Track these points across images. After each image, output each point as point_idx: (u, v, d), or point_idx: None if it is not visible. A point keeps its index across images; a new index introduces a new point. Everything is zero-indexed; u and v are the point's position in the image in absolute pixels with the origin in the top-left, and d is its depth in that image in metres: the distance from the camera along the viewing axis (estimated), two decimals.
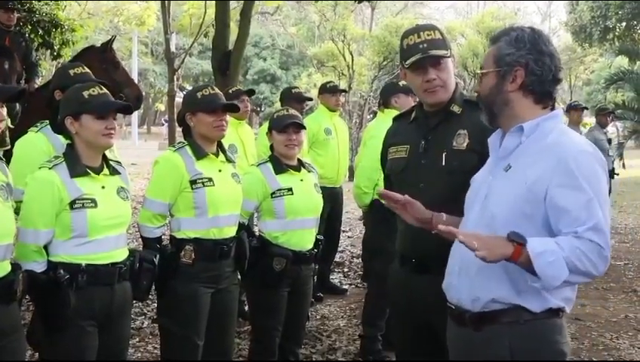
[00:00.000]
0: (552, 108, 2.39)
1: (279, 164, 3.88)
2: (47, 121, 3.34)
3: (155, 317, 5.42)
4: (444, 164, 2.81)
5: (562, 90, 29.05)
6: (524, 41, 2.31)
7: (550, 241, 2.12)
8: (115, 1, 24.07)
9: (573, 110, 8.96)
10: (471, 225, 2.37)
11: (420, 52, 2.79)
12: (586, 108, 9.55)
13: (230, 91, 5.57)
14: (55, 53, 10.28)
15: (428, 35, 2.82)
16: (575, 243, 2.10)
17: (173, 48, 18.27)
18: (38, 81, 7.64)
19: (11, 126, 5.09)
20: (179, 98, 19.02)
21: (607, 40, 21.30)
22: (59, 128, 3.03)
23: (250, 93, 6.10)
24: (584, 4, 21.04)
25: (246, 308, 4.75)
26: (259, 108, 32.70)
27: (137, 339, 5.09)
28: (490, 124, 2.45)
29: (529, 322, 2.24)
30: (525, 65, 2.30)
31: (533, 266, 2.07)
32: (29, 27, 9.42)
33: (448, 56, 2.83)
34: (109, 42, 6.23)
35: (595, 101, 22.74)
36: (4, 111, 4.71)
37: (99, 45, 6.32)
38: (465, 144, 2.78)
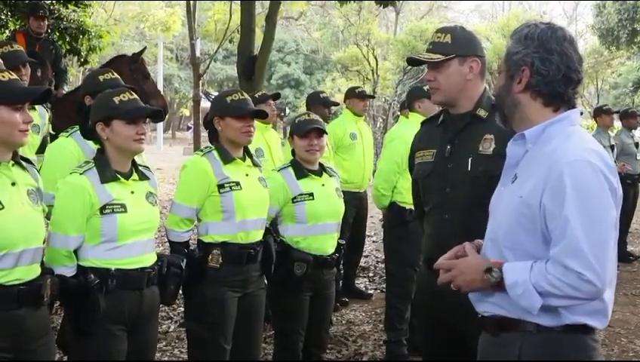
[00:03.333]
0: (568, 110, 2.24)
1: (300, 168, 3.88)
2: (78, 126, 3.38)
3: (181, 321, 5.45)
4: (469, 168, 2.79)
5: (589, 94, 28.79)
6: (533, 38, 2.17)
7: (524, 270, 2.06)
8: (141, 2, 24.27)
9: (604, 114, 8.85)
10: (486, 237, 2.32)
11: (423, 53, 2.90)
12: (616, 113, 9.41)
13: (256, 95, 5.58)
14: (82, 60, 10.43)
15: (438, 37, 2.89)
16: (549, 269, 2.02)
17: (198, 54, 18.40)
18: (67, 88, 7.74)
19: (52, 132, 5.17)
20: (204, 103, 19.15)
21: (635, 43, 21.05)
22: (89, 134, 3.06)
23: (276, 97, 6.13)
24: (611, 6, 20.80)
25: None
26: (283, 113, 32.77)
27: (164, 343, 5.11)
28: (504, 125, 2.41)
29: (544, 333, 2.12)
30: (531, 64, 2.16)
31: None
32: (57, 34, 9.55)
33: (436, 60, 2.83)
34: (140, 53, 6.32)
35: (623, 104, 22.44)
36: (46, 115, 4.79)
37: (130, 55, 6.41)
38: (491, 149, 2.76)
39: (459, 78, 2.83)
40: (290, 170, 3.89)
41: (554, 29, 2.20)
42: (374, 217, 9.49)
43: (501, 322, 2.22)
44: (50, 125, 5.39)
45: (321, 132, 3.86)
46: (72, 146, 3.49)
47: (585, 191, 2.03)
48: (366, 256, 8.23)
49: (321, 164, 3.97)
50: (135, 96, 3.03)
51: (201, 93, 18.54)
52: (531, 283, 2.03)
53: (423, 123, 3.24)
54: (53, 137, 4.56)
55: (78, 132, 3.37)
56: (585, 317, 2.11)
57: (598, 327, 2.16)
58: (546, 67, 2.15)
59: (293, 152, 3.96)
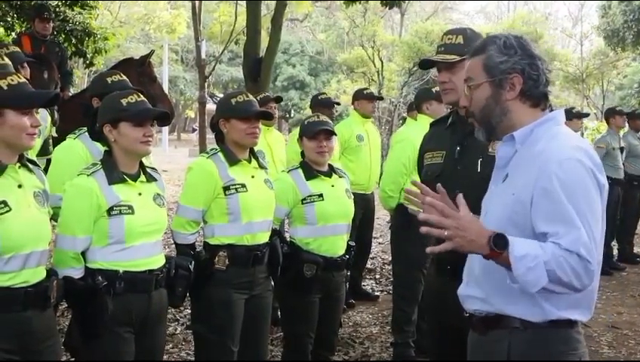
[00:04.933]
0: (551, 109, 2.31)
1: (310, 170, 3.88)
2: (86, 128, 3.38)
3: (188, 323, 5.45)
4: (479, 170, 2.78)
5: (595, 95, 28.68)
6: (514, 47, 2.24)
7: (534, 244, 2.05)
8: (146, 4, 24.31)
9: (617, 115, 8.81)
10: None
11: (434, 55, 2.89)
12: (627, 114, 9.37)
13: (258, 98, 5.57)
14: (88, 62, 10.45)
15: (449, 39, 2.89)
16: (560, 253, 2.02)
17: (203, 55, 18.39)
18: (72, 90, 7.76)
19: (55, 135, 5.18)
20: (209, 105, 19.15)
21: None
22: (97, 135, 3.06)
23: (278, 100, 6.12)
24: (617, 7, 20.72)
25: (279, 312, 4.75)
26: (288, 115, 32.77)
27: (170, 346, 5.10)
28: (488, 138, 2.39)
29: (530, 329, 2.18)
30: (522, 71, 2.22)
31: (512, 269, 2.03)
32: (63, 36, 9.58)
33: (453, 60, 2.83)
34: (148, 56, 6.33)
35: (629, 106, 22.35)
36: (47, 118, 4.81)
37: (137, 58, 6.42)
38: None
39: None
40: (300, 171, 3.88)
41: (522, 37, 2.29)
42: (380, 219, 9.47)
43: (487, 319, 2.26)
44: (54, 128, 5.40)
45: (331, 133, 3.85)
46: (79, 148, 3.49)
47: (575, 188, 2.08)
48: (372, 258, 8.22)
49: (330, 165, 3.96)
50: (142, 98, 3.02)
51: (206, 95, 18.53)
52: (543, 260, 2.01)
53: (432, 124, 3.23)
54: (57, 140, 4.56)
55: (86, 134, 3.37)
56: (569, 311, 2.17)
57: (582, 320, 2.22)
58: (535, 71, 2.24)
59: (302, 154, 3.95)
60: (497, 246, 2.04)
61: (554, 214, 2.07)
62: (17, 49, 4.81)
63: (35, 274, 2.62)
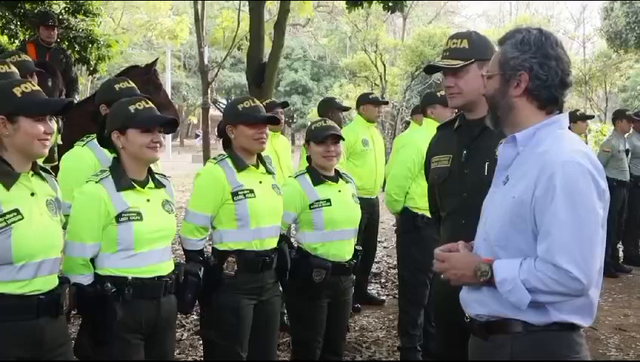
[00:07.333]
0: (560, 112, 2.31)
1: (317, 175, 3.88)
2: (93, 135, 3.39)
3: (194, 328, 5.45)
4: (486, 173, 2.78)
5: (598, 97, 28.66)
6: (530, 43, 2.23)
7: (513, 267, 2.14)
8: (149, 6, 24.40)
9: (626, 120, 8.78)
10: (477, 237, 2.38)
11: (440, 59, 2.90)
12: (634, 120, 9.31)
13: (264, 104, 5.58)
14: (91, 69, 10.47)
15: (454, 43, 2.89)
16: (538, 266, 2.09)
17: (206, 61, 18.43)
18: (77, 97, 7.78)
19: (60, 142, 5.19)
20: (212, 111, 19.16)
21: None
22: (105, 142, 3.07)
23: (284, 105, 6.12)
24: (619, 9, 20.74)
25: (285, 318, 4.75)
26: (291, 120, 32.81)
27: (177, 351, 5.09)
28: (494, 127, 2.41)
29: (532, 333, 2.19)
30: (529, 69, 2.23)
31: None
32: (66, 43, 9.61)
33: (457, 66, 2.84)
34: (153, 64, 6.36)
35: (632, 107, 22.33)
36: (54, 125, 4.82)
37: (143, 66, 6.45)
38: None
39: (479, 82, 2.80)
40: (307, 176, 3.88)
41: (546, 35, 2.27)
42: (385, 223, 9.47)
43: (489, 325, 2.28)
44: (60, 135, 5.40)
45: (338, 138, 3.85)
46: (87, 155, 3.49)
47: (573, 191, 2.09)
48: (377, 262, 8.21)
49: (336, 170, 3.97)
50: (150, 104, 3.03)
51: (209, 101, 18.55)
52: (520, 280, 2.11)
53: (439, 128, 3.23)
54: (61, 147, 4.57)
55: (94, 141, 3.37)
56: (571, 315, 2.18)
57: (583, 325, 2.23)
58: (545, 72, 2.22)
59: (308, 158, 3.95)
60: (481, 277, 2.21)
61: (544, 216, 2.10)
62: (28, 58, 4.81)
63: (48, 282, 2.63)
